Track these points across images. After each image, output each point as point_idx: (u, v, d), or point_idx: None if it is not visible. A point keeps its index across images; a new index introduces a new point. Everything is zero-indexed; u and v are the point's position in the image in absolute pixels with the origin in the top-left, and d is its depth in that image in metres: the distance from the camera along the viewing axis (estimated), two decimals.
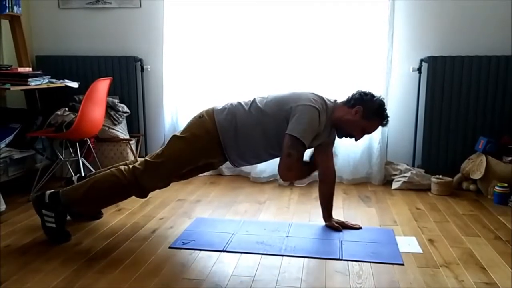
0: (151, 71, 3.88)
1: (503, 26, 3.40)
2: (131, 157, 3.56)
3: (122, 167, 2.42)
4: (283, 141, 2.28)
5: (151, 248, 2.33)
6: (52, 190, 2.45)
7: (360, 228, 2.60)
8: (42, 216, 2.41)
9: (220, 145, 2.39)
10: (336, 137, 2.57)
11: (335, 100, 2.45)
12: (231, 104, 2.45)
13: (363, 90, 2.42)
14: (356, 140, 2.46)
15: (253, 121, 2.36)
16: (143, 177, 2.37)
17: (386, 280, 2.00)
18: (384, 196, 3.27)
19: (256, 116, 2.36)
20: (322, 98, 2.38)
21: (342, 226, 2.59)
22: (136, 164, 2.42)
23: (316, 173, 2.62)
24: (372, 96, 2.40)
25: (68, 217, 2.59)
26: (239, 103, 2.44)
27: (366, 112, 2.35)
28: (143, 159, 2.47)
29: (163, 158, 2.38)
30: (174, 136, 2.44)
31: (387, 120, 2.43)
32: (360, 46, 3.49)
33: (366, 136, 3.46)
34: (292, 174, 2.33)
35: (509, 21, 3.39)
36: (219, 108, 2.45)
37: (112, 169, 2.45)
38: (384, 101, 2.43)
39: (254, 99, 2.44)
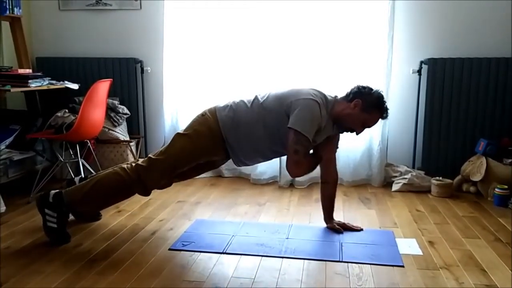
0: (151, 73, 3.88)
1: (503, 28, 3.40)
2: (131, 159, 3.56)
3: (125, 165, 2.44)
4: (286, 137, 2.29)
5: (151, 250, 2.33)
6: (57, 190, 2.45)
7: (361, 230, 2.60)
8: (44, 215, 2.41)
9: (223, 142, 2.40)
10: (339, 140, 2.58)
11: (336, 96, 2.46)
12: (233, 102, 2.47)
13: (361, 84, 2.44)
14: (357, 134, 2.45)
15: (254, 117, 2.38)
16: (146, 174, 2.38)
17: (386, 282, 2.00)
18: (384, 198, 3.27)
19: (257, 112, 2.38)
20: (322, 93, 2.39)
21: (343, 228, 2.59)
22: (140, 161, 2.45)
23: (318, 174, 2.64)
24: (370, 89, 2.41)
25: (71, 217, 2.60)
26: (241, 101, 2.46)
27: (365, 105, 2.36)
28: (146, 157, 2.49)
29: (166, 155, 2.41)
30: (177, 134, 2.47)
31: (387, 112, 2.43)
32: (360, 48, 3.49)
33: (366, 138, 3.51)
34: (301, 170, 2.35)
35: (509, 23, 3.39)
36: (221, 106, 2.48)
37: (115, 168, 2.47)
38: (383, 93, 2.44)
39: (256, 96, 2.46)
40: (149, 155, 2.47)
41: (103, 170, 2.64)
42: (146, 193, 2.46)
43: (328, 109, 2.37)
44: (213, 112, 2.45)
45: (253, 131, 2.38)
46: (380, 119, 2.45)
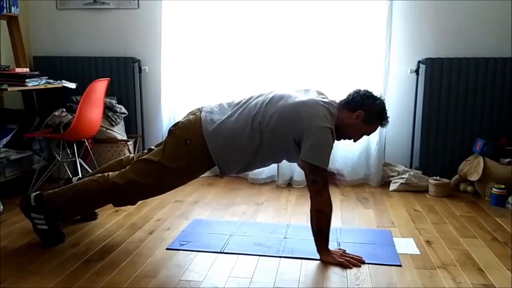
0: (149, 72, 3.87)
1: (501, 28, 3.40)
2: None
3: (100, 178, 2.32)
4: (293, 159, 2.28)
5: (148, 250, 2.33)
6: (37, 192, 2.41)
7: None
8: (32, 219, 2.37)
9: (213, 164, 2.33)
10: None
11: (335, 101, 2.33)
12: (223, 121, 2.28)
13: (363, 91, 2.32)
14: (354, 141, 2.41)
15: (256, 144, 2.24)
16: (129, 194, 2.31)
17: (383, 281, 2.00)
18: (382, 197, 3.27)
19: (260, 139, 2.23)
20: (329, 110, 2.21)
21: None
22: (117, 178, 2.28)
23: None
24: (374, 99, 2.29)
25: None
26: (236, 121, 2.27)
27: (367, 117, 2.26)
28: (123, 171, 2.33)
29: (149, 180, 2.28)
30: (161, 164, 2.26)
31: (387, 121, 2.36)
32: (358, 48, 3.49)
33: (364, 138, 3.49)
34: (323, 198, 2.17)
35: (507, 23, 3.39)
36: (210, 129, 2.27)
37: (91, 178, 2.37)
38: (385, 101, 2.35)
39: (255, 116, 2.24)
40: (128, 174, 2.29)
41: (88, 174, 2.61)
42: (127, 204, 2.45)
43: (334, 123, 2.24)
44: (200, 138, 2.26)
45: (256, 159, 2.29)
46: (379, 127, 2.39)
